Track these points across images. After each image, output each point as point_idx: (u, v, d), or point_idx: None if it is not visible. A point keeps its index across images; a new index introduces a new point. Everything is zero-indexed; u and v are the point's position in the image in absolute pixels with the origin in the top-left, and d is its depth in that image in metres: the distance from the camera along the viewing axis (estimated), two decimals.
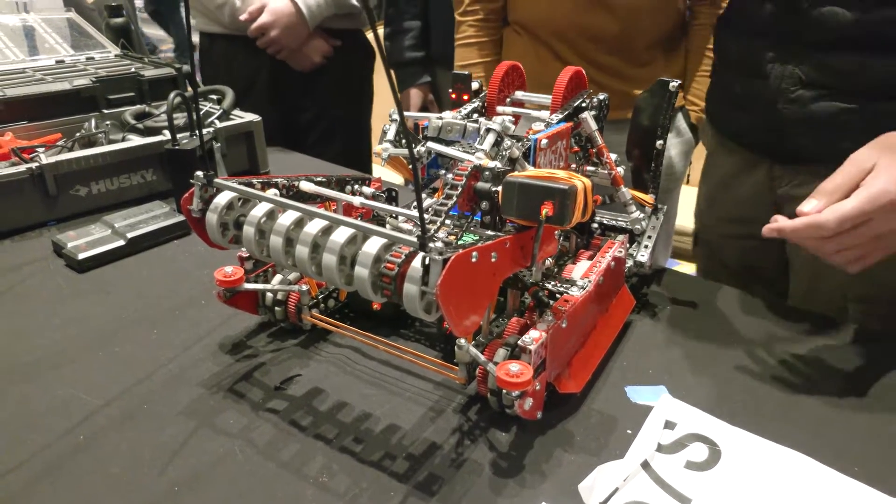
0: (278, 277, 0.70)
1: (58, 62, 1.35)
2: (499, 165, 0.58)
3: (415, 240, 0.45)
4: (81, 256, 0.85)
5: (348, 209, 0.76)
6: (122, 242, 0.89)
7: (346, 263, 0.50)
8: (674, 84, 0.73)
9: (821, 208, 0.57)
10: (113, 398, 0.61)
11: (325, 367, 0.66)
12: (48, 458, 0.54)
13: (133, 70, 1.27)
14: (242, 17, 1.37)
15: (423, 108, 1.70)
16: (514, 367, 0.50)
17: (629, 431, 0.56)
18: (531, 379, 0.49)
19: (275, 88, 1.46)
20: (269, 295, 0.69)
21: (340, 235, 0.49)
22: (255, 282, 0.69)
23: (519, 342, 0.52)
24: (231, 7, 1.39)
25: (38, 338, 0.71)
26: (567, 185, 0.50)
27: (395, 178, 2.17)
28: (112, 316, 0.75)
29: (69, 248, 0.86)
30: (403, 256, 0.47)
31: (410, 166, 0.74)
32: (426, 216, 0.55)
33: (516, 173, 0.53)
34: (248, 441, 0.56)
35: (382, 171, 2.23)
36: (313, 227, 0.51)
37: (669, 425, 0.56)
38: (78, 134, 1.09)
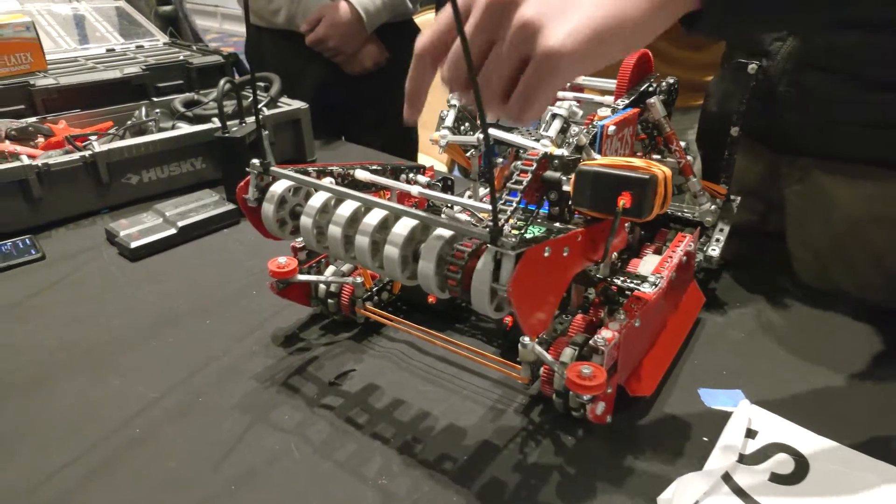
0: (331, 269, 0.68)
1: (108, 50, 1.36)
2: (566, 153, 0.55)
3: (485, 232, 0.42)
4: (134, 245, 0.85)
5: (402, 198, 0.74)
6: (173, 231, 0.88)
7: (409, 257, 0.47)
8: (753, 66, 0.68)
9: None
10: (168, 390, 0.60)
11: (380, 362, 0.64)
12: (105, 451, 0.53)
13: (182, 58, 1.28)
14: (302, 28, 1.35)
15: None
16: (587, 369, 0.47)
17: (705, 439, 0.53)
18: (605, 382, 0.46)
19: (322, 81, 1.44)
20: (322, 287, 0.67)
21: (403, 227, 0.47)
22: (309, 273, 0.67)
23: (591, 342, 0.49)
24: (287, 12, 1.37)
25: (93, 327, 0.70)
26: (647, 174, 0.46)
27: (440, 167, 2.14)
28: (164, 305, 0.74)
29: (122, 236, 0.86)
30: (470, 250, 0.44)
31: (468, 153, 0.71)
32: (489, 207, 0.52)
33: (590, 161, 0.49)
34: (305, 438, 0.54)
35: (428, 161, 2.21)
36: (373, 217, 0.48)
37: (750, 434, 0.52)
38: (129, 122, 1.09)
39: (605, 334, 0.50)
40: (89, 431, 0.55)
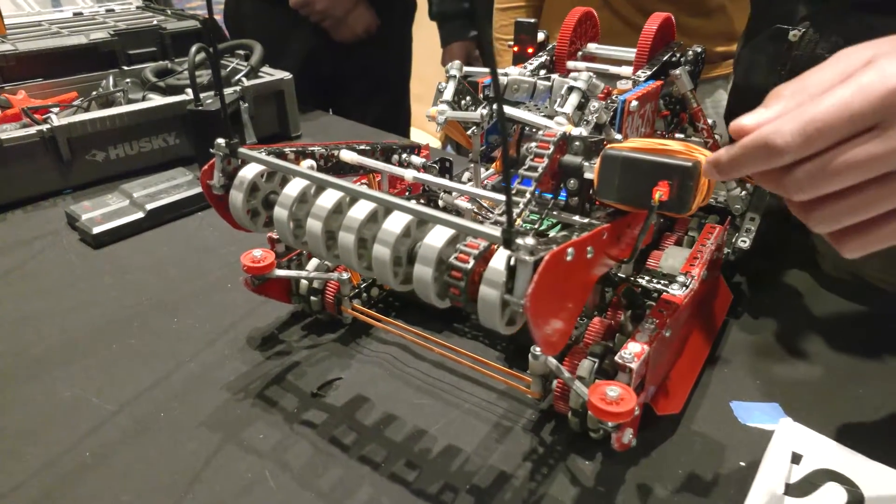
0: (314, 262, 0.60)
1: (75, 14, 1.25)
2: (584, 133, 0.47)
3: (496, 233, 0.34)
4: (96, 231, 0.76)
5: (393, 183, 0.66)
6: (140, 215, 0.80)
7: (403, 258, 0.40)
8: (795, 32, 0.59)
9: (772, 117, 0.34)
10: (126, 402, 0.53)
11: (370, 368, 0.57)
12: (48, 479, 0.46)
13: (155, 23, 1.17)
14: None
15: (467, 66, 1.56)
16: (613, 391, 0.39)
17: (742, 463, 0.46)
18: (634, 407, 0.39)
19: (308, 51, 1.34)
20: (304, 283, 0.59)
21: (395, 223, 0.39)
22: (289, 267, 0.60)
23: (617, 359, 0.42)
24: None
25: (47, 326, 0.63)
26: (689, 160, 0.38)
27: (434, 143, 2.05)
28: (128, 300, 0.66)
29: (83, 220, 0.78)
30: (477, 252, 0.37)
31: (469, 131, 0.63)
32: (491, 196, 0.44)
33: (617, 145, 0.41)
34: (282, 464, 0.47)
35: (421, 137, 2.11)
36: (360, 210, 0.40)
37: (795, 458, 0.46)
38: (94, 93, 1.00)
39: (633, 348, 0.42)
40: (33, 455, 0.48)
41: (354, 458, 0.48)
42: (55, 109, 0.93)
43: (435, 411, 0.52)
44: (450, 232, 0.37)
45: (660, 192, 0.38)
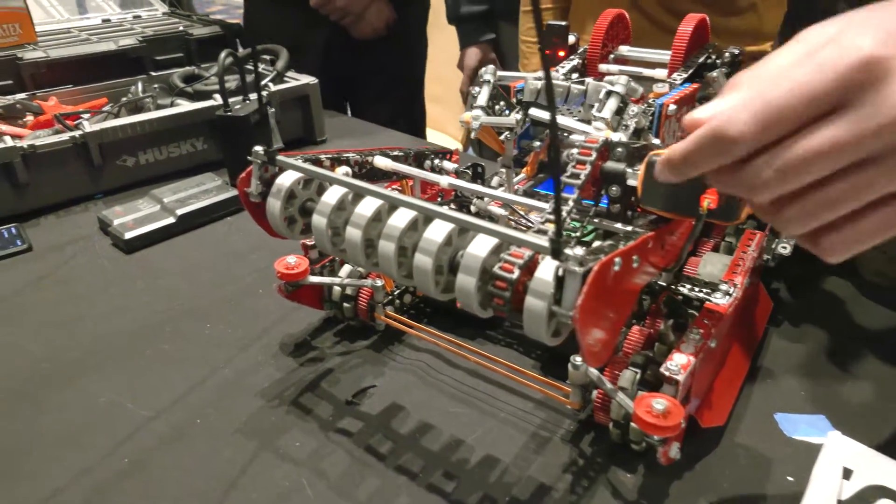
0: (347, 268, 0.60)
1: (104, 21, 1.27)
2: (624, 138, 0.46)
3: (543, 243, 0.33)
4: (128, 236, 0.77)
5: (424, 186, 0.65)
6: (171, 220, 0.80)
7: (444, 267, 0.39)
8: None
9: (729, 107, 0.30)
10: (162, 409, 0.53)
11: (403, 376, 0.56)
12: (88, 485, 0.46)
13: (181, 29, 1.18)
14: None
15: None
16: (659, 403, 0.38)
17: (790, 478, 0.45)
18: (682, 421, 0.38)
19: (326, 50, 1.35)
20: (337, 289, 0.59)
21: (437, 231, 0.38)
22: (321, 274, 0.59)
23: (662, 370, 0.41)
24: None
25: (82, 331, 0.63)
26: None
27: (450, 143, 2.05)
28: (161, 306, 0.67)
29: (115, 225, 0.78)
30: (522, 262, 0.36)
31: (502, 136, 0.62)
32: (535, 204, 0.43)
33: (662, 151, 0.40)
34: (318, 472, 0.47)
35: (437, 137, 2.10)
36: (401, 219, 0.40)
37: (846, 474, 0.44)
38: (124, 99, 1.01)
39: (679, 359, 0.41)
40: (71, 461, 0.48)
41: (391, 468, 0.47)
42: (86, 115, 0.94)
43: (471, 420, 0.51)
44: (493, 241, 0.37)
45: (708, 200, 0.38)
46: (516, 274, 0.35)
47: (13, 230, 0.80)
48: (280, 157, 0.46)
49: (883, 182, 0.29)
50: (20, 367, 0.58)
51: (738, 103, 0.30)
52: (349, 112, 1.44)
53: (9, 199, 0.83)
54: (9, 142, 0.82)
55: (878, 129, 0.28)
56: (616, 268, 0.35)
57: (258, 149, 0.46)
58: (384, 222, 0.41)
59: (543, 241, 0.34)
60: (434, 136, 2.06)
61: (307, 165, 0.46)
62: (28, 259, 0.76)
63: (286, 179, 0.46)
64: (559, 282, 0.33)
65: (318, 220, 0.44)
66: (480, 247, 0.37)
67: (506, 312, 0.36)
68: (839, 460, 0.45)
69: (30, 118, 0.95)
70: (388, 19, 1.34)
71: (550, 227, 0.41)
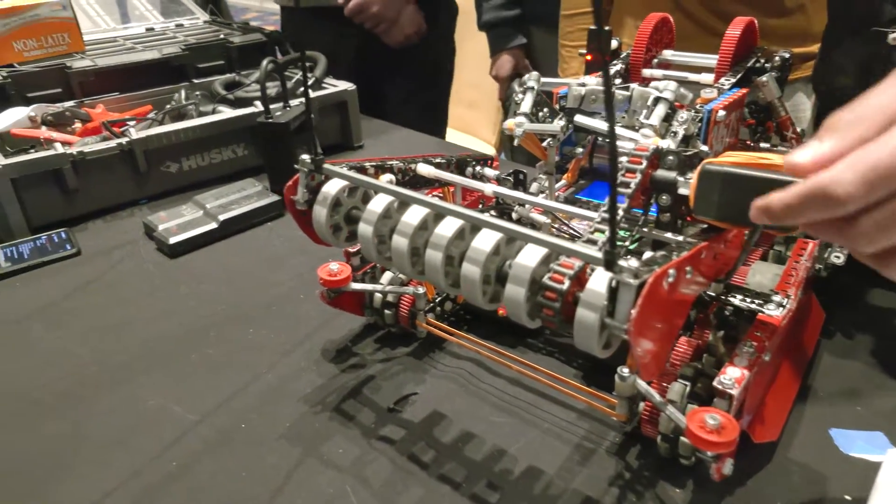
0: (388, 275, 0.60)
1: (147, 30, 1.30)
2: (672, 145, 0.45)
3: (596, 254, 0.33)
4: (173, 241, 0.78)
5: (465, 193, 0.65)
6: (214, 225, 0.81)
7: (492, 276, 0.39)
8: (895, 36, 0.56)
9: (828, 155, 0.31)
10: (207, 413, 0.54)
11: (445, 384, 0.56)
12: (136, 488, 0.47)
13: (222, 36, 1.21)
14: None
15: (517, 76, 1.55)
16: (712, 419, 0.37)
17: (848, 497, 0.43)
18: (737, 437, 0.37)
19: (359, 57, 1.36)
20: (378, 296, 0.59)
21: (485, 241, 0.38)
22: (363, 280, 0.60)
23: (716, 384, 0.40)
24: None
25: (129, 335, 0.64)
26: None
27: (482, 147, 2.04)
28: (204, 310, 0.68)
29: (160, 230, 0.80)
30: (572, 272, 0.35)
31: (544, 143, 0.62)
32: (585, 213, 0.43)
33: (716, 160, 0.40)
34: (362, 479, 0.47)
35: (457, 137, 2.09)
36: (448, 228, 0.40)
37: None
38: (168, 106, 1.03)
39: (733, 373, 0.40)
40: (120, 463, 0.49)
41: (433, 477, 0.47)
42: (132, 122, 0.97)
43: (514, 430, 0.51)
44: (543, 251, 0.36)
45: None
46: (566, 285, 0.35)
47: (63, 234, 0.83)
48: (326, 166, 0.46)
49: None
50: (69, 370, 0.60)
51: (841, 152, 0.30)
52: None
53: (59, 205, 0.85)
54: (59, 148, 0.84)
55: None
56: (670, 279, 0.34)
57: (305, 157, 0.46)
58: (430, 231, 0.41)
59: (596, 252, 0.33)
60: (467, 141, 2.07)
61: (353, 174, 0.46)
62: (77, 263, 0.78)
63: (332, 188, 0.46)
64: (612, 293, 0.33)
65: (365, 229, 0.44)
66: (530, 257, 0.36)
67: (555, 323, 0.36)
68: None
69: (78, 125, 0.98)
70: (419, 26, 1.34)
71: (600, 237, 0.41)
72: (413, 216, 0.41)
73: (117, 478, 0.48)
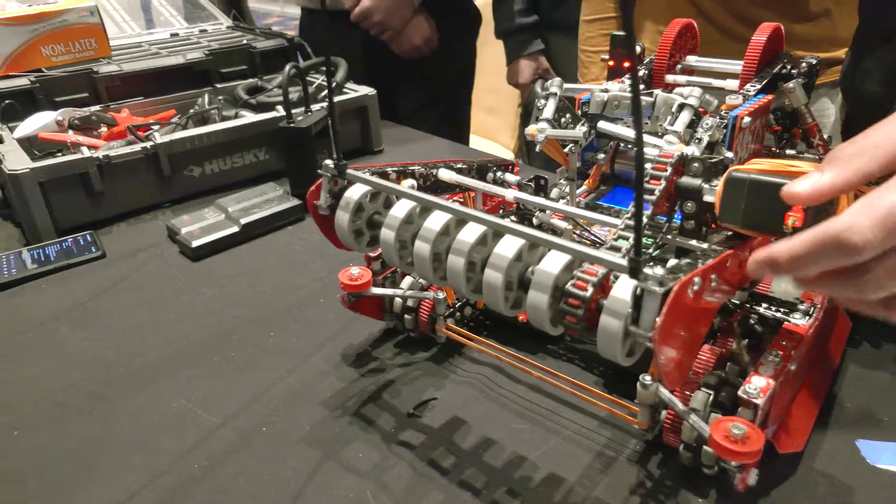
0: (408, 280, 0.60)
1: (172, 35, 1.32)
2: (696, 152, 0.45)
3: (621, 261, 0.33)
4: (195, 244, 0.79)
5: (485, 198, 0.65)
6: (235, 229, 0.82)
7: (514, 283, 0.39)
8: None
9: (828, 186, 0.31)
10: (230, 416, 0.54)
11: (464, 389, 0.56)
12: (161, 490, 0.47)
13: (244, 42, 1.22)
14: (347, 3, 1.27)
15: (540, 80, 1.54)
16: (738, 429, 0.37)
17: None
18: (762, 447, 0.36)
19: (380, 63, 1.36)
20: (398, 301, 0.60)
21: (508, 247, 0.38)
22: (383, 285, 0.60)
23: (741, 393, 0.39)
24: None
25: (153, 337, 0.65)
26: None
27: (501, 152, 2.04)
28: (226, 313, 0.68)
29: (183, 234, 0.81)
30: (595, 279, 0.35)
31: (566, 149, 0.61)
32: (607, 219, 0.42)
33: (742, 167, 0.39)
34: (382, 485, 0.47)
35: (480, 143, 2.09)
36: (470, 234, 0.40)
37: None
38: (191, 111, 1.04)
39: (758, 382, 0.40)
40: (144, 465, 0.50)
41: (454, 483, 0.47)
42: (156, 127, 0.98)
43: (534, 437, 0.51)
44: (566, 257, 0.36)
45: (793, 218, 0.36)
46: (590, 291, 0.35)
47: (88, 237, 0.84)
48: (349, 171, 0.46)
49: None
50: (95, 370, 0.61)
51: (856, 208, 0.29)
52: None
53: (85, 208, 0.87)
54: (85, 152, 0.86)
55: None
56: (695, 287, 0.34)
57: (328, 162, 0.47)
58: (452, 236, 0.41)
59: (620, 260, 0.33)
60: (486, 145, 2.07)
61: (375, 179, 0.46)
62: (102, 265, 0.79)
63: (355, 193, 0.46)
64: (636, 301, 0.33)
65: (387, 234, 0.44)
66: (553, 263, 0.36)
67: (578, 331, 0.36)
68: None
69: (104, 129, 0.99)
70: (427, 38, 1.33)
71: (624, 244, 0.41)
72: (435, 222, 0.42)
73: (141, 479, 0.48)
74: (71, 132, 0.97)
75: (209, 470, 0.49)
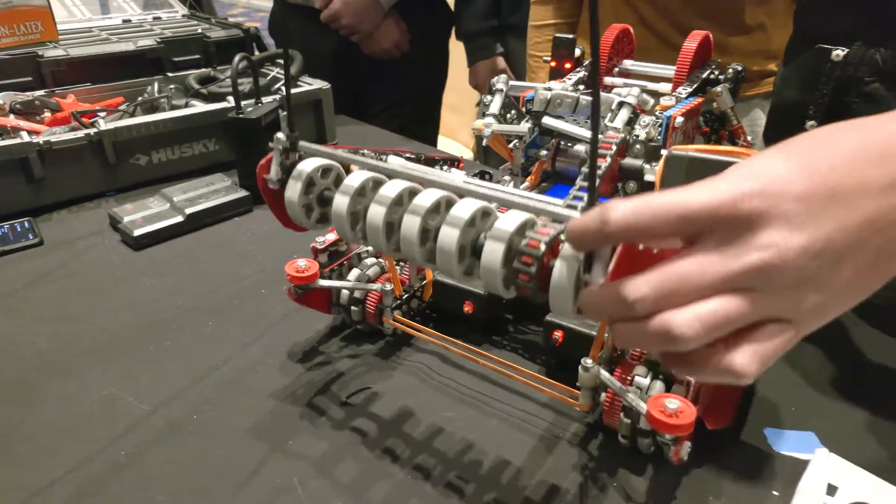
0: (356, 272, 0.59)
1: (124, 21, 1.28)
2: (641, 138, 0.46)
3: (574, 213, 0.33)
4: (137, 233, 0.77)
5: None
6: (180, 219, 0.80)
7: (468, 247, 0.38)
8: (838, 53, 0.57)
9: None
10: (161, 403, 0.52)
11: (409, 379, 0.55)
12: (84, 477, 0.45)
13: (199, 31, 1.20)
14: (317, 3, 1.26)
15: None
16: (672, 403, 0.37)
17: (776, 493, 0.43)
18: (694, 420, 0.37)
19: (345, 60, 1.35)
20: (345, 293, 0.59)
21: (464, 209, 0.37)
22: (330, 278, 0.59)
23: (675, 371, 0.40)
24: None
25: (88, 325, 0.63)
26: None
27: (461, 150, 2.05)
28: (166, 303, 0.66)
29: (125, 222, 0.78)
30: (548, 238, 0.35)
31: (511, 144, 0.62)
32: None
33: (680, 147, 0.40)
34: (317, 471, 0.46)
35: (449, 146, 2.10)
36: (426, 198, 0.39)
37: (830, 490, 0.43)
38: (140, 98, 1.02)
39: None
40: (69, 452, 0.47)
41: (403, 469, 0.46)
42: (102, 114, 0.95)
43: (479, 422, 0.50)
44: (523, 215, 0.36)
45: None
46: (543, 249, 0.35)
47: (26, 224, 0.81)
48: (302, 143, 0.45)
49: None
50: (24, 357, 0.58)
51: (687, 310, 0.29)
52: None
53: (24, 194, 0.83)
54: (25, 137, 0.83)
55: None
56: (641, 247, 0.34)
57: (279, 135, 0.45)
58: (405, 207, 0.40)
59: (573, 213, 0.33)
60: (446, 144, 2.07)
61: (332, 150, 0.45)
62: (39, 253, 0.76)
63: (307, 166, 0.45)
64: (588, 254, 0.33)
65: (340, 201, 0.42)
66: (509, 221, 0.36)
67: (531, 290, 0.35)
68: (825, 476, 0.44)
69: (47, 115, 0.96)
70: (397, 41, 1.33)
71: (579, 203, 0.41)
72: (391, 189, 0.41)
73: (65, 466, 0.46)
74: (12, 116, 0.93)
75: (136, 457, 0.47)
